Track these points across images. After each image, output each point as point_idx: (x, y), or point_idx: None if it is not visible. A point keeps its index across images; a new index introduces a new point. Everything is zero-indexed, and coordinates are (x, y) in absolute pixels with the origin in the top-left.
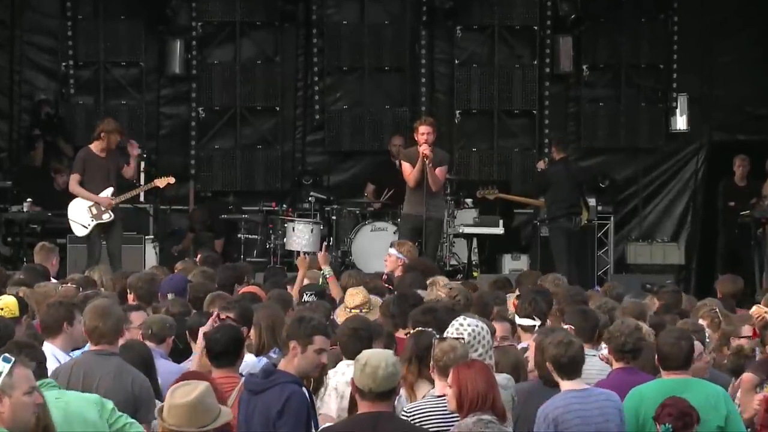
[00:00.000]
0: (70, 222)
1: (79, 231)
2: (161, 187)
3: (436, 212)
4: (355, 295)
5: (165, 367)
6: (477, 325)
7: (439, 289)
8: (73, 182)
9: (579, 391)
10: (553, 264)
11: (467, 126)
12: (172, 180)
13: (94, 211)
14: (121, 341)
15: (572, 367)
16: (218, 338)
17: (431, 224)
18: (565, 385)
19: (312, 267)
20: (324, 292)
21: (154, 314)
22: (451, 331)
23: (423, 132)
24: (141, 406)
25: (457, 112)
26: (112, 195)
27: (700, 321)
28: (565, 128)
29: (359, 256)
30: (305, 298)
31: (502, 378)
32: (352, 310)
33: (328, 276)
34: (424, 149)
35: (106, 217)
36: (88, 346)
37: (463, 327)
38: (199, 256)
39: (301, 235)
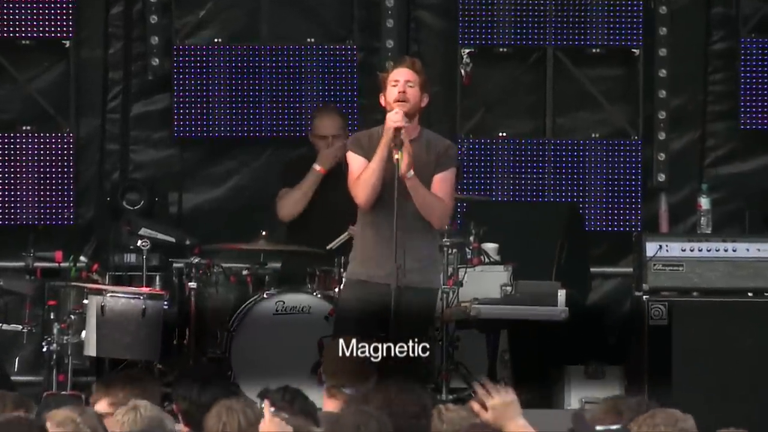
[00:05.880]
0: None
1: None
2: None
3: (422, 275)
4: None
5: None
6: None
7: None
8: None
9: None
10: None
11: (487, 83)
12: None
13: None
14: None
15: None
16: None
17: (411, 300)
18: None
19: None
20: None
21: None
22: None
23: (395, 80)
24: None
25: (465, 52)
26: None
27: None
28: (705, 88)
29: (246, 366)
30: None
31: None
32: None
33: None
34: (393, 120)
35: None
36: None
37: None
38: None
39: (120, 324)
